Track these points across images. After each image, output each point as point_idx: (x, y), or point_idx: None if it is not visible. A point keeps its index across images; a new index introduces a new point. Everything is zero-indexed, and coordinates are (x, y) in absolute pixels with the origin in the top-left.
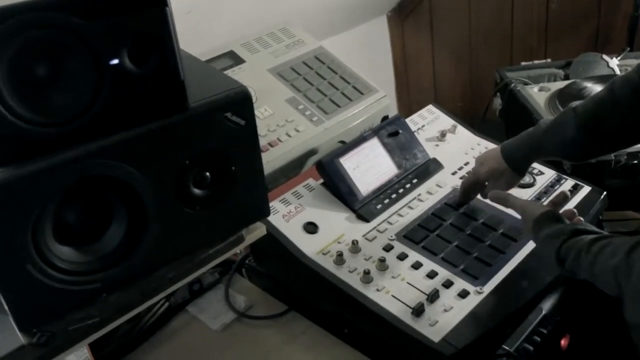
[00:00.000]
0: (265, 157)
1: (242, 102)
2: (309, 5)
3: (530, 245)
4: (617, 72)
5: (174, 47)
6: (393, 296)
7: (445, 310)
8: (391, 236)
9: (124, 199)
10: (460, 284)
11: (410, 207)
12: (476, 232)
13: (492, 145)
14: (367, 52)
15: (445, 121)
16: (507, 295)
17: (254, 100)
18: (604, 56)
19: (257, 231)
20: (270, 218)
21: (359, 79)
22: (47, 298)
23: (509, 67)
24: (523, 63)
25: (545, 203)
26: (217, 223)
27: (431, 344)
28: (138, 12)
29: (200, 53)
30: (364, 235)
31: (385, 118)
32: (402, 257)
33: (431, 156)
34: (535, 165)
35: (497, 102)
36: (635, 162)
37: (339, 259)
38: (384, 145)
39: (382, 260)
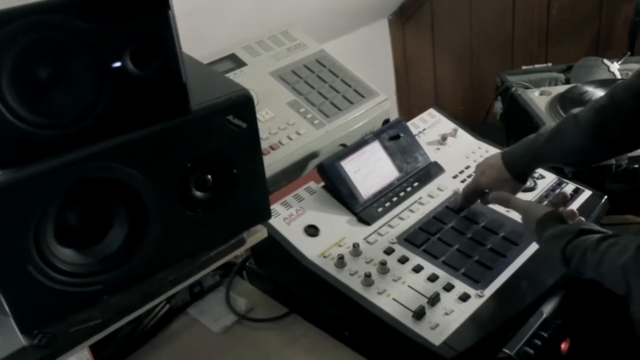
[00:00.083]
0: (267, 160)
1: (243, 105)
2: (310, 9)
3: (531, 249)
4: (618, 76)
5: (176, 50)
6: (394, 299)
7: (446, 314)
8: (392, 239)
9: (126, 201)
10: (461, 287)
11: (411, 211)
12: (477, 235)
13: (493, 149)
14: (368, 55)
15: (446, 125)
16: (507, 298)
17: (255, 103)
18: (605, 60)
19: (258, 234)
20: (272, 221)
21: (360, 82)
22: (49, 300)
23: (510, 71)
24: (524, 67)
25: (544, 204)
26: (218, 225)
27: (432, 347)
28: (140, 15)
29: (202, 56)
30: (365, 239)
31: (386, 121)
32: (403, 260)
33: (432, 160)
34: None
35: (498, 106)
36: (636, 166)
37: (340, 262)
38: (385, 148)
39: (383, 264)
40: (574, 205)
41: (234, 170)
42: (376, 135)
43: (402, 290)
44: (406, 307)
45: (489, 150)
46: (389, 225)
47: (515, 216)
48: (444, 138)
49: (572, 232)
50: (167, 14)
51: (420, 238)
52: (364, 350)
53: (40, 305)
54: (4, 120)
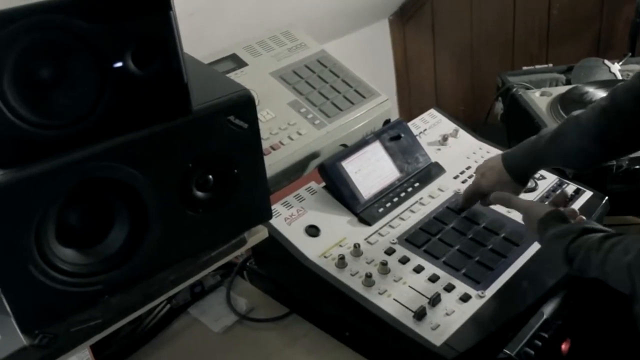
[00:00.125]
0: (268, 160)
1: (245, 105)
2: (311, 9)
3: (532, 250)
4: (619, 77)
5: (178, 50)
6: (395, 300)
7: (447, 314)
8: (393, 240)
9: (127, 201)
10: (461, 287)
11: (412, 211)
12: (478, 236)
13: (494, 150)
14: (369, 55)
15: (447, 125)
16: (508, 299)
17: (256, 103)
18: (606, 61)
19: (259, 234)
20: (272, 221)
21: (361, 83)
22: (49, 300)
23: (511, 71)
24: (525, 68)
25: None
26: (219, 226)
27: (433, 348)
28: (142, 15)
29: (203, 56)
30: (365, 239)
31: (387, 122)
32: (403, 260)
33: (433, 160)
34: None
35: (499, 107)
36: (637, 167)
37: (341, 262)
38: (386, 148)
39: (384, 264)
40: (575, 206)
41: (235, 171)
42: (377, 136)
43: (402, 291)
44: (407, 308)
45: (490, 151)
46: (390, 226)
47: (516, 217)
48: (444, 138)
49: (575, 231)
50: (168, 14)
51: (421, 238)
52: (364, 351)
53: (41, 305)
54: (5, 120)
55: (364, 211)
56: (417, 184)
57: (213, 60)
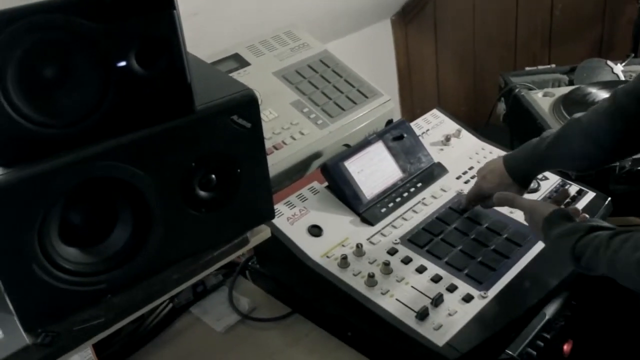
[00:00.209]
0: (270, 160)
1: (248, 105)
2: (313, 9)
3: (535, 251)
4: (622, 78)
5: (181, 49)
6: (397, 300)
7: (450, 315)
8: (395, 240)
9: (130, 200)
10: (464, 288)
11: (415, 211)
12: (480, 236)
13: (496, 150)
14: (371, 55)
15: (450, 125)
16: (511, 300)
17: (259, 103)
18: (609, 62)
19: (261, 233)
20: (275, 221)
21: (363, 83)
22: (52, 298)
23: (514, 72)
24: (527, 68)
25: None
26: (222, 225)
27: (435, 348)
28: (146, 15)
29: (206, 55)
30: (368, 239)
31: (389, 122)
32: (406, 261)
33: (435, 160)
34: None
35: (502, 107)
36: None
37: (344, 262)
38: (389, 149)
39: (387, 264)
40: (578, 207)
41: (238, 170)
42: (380, 136)
43: (405, 291)
44: (409, 308)
45: (493, 151)
46: (393, 226)
47: (519, 217)
48: (447, 139)
49: (582, 229)
50: (172, 13)
51: (423, 239)
52: (366, 351)
53: (44, 304)
54: (9, 118)
55: (367, 211)
56: (419, 184)
57: (216, 59)
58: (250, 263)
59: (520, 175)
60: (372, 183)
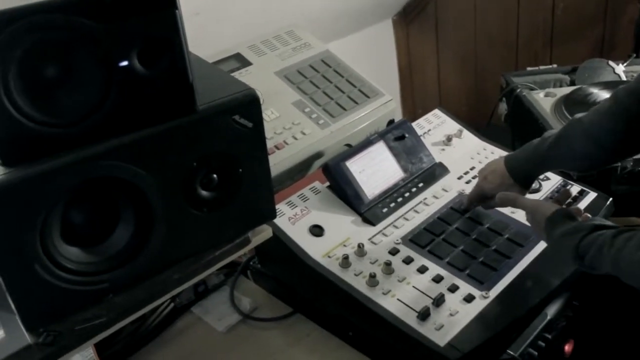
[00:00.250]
0: (272, 160)
1: (250, 104)
2: (315, 9)
3: (536, 251)
4: (623, 78)
5: (183, 49)
6: (398, 300)
7: (451, 315)
8: (397, 240)
9: (131, 200)
10: (465, 288)
11: (416, 211)
12: (482, 236)
13: (498, 150)
14: (372, 55)
15: (451, 125)
16: (512, 300)
17: (260, 102)
18: (610, 62)
19: (263, 233)
20: (276, 220)
21: (365, 83)
22: (54, 298)
23: (515, 72)
24: (529, 68)
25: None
26: (223, 225)
27: (436, 348)
28: (148, 15)
29: (207, 55)
30: (369, 239)
31: (391, 122)
32: (407, 260)
33: (437, 160)
34: None
35: (503, 107)
36: None
37: (345, 262)
38: (390, 148)
39: (388, 264)
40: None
41: (240, 170)
42: (381, 136)
43: (406, 291)
44: (411, 308)
45: (494, 152)
46: (394, 226)
47: (520, 217)
48: (449, 139)
49: (586, 228)
50: (174, 13)
51: (425, 239)
52: (368, 351)
53: (46, 303)
54: (11, 118)
55: (368, 211)
56: (421, 184)
57: (218, 59)
58: (251, 263)
59: (522, 176)
60: (374, 183)
